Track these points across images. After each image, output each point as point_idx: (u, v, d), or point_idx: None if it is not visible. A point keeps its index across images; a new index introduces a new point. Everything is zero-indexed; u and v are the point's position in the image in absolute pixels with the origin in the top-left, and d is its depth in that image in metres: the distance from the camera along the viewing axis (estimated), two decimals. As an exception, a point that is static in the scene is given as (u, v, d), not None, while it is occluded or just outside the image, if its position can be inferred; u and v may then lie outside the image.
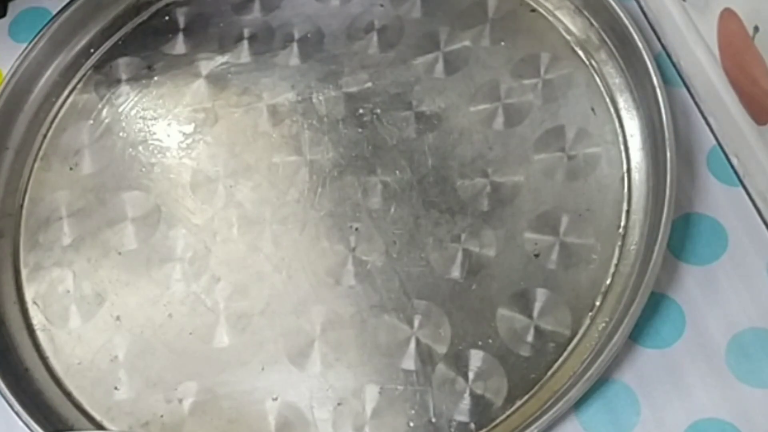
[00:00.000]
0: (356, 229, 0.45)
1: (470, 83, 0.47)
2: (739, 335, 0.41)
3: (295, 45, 0.50)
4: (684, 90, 0.47)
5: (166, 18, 0.52)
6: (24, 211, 0.48)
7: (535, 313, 0.42)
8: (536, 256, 0.43)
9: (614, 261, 0.42)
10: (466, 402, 0.40)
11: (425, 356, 0.41)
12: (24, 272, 0.46)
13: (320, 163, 0.46)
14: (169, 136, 0.49)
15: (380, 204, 0.45)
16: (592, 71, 0.46)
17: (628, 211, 0.43)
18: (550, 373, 0.40)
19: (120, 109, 0.50)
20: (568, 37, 0.47)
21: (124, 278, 0.45)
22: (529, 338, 0.41)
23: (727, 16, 0.40)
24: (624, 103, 0.45)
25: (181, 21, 0.52)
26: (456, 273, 0.43)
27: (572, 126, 0.45)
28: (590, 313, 0.41)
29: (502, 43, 0.48)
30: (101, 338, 0.44)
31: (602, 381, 0.41)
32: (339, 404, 0.41)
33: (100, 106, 0.50)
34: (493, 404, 0.40)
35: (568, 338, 0.41)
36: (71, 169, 0.48)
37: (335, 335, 0.42)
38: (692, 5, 0.44)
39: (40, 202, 0.48)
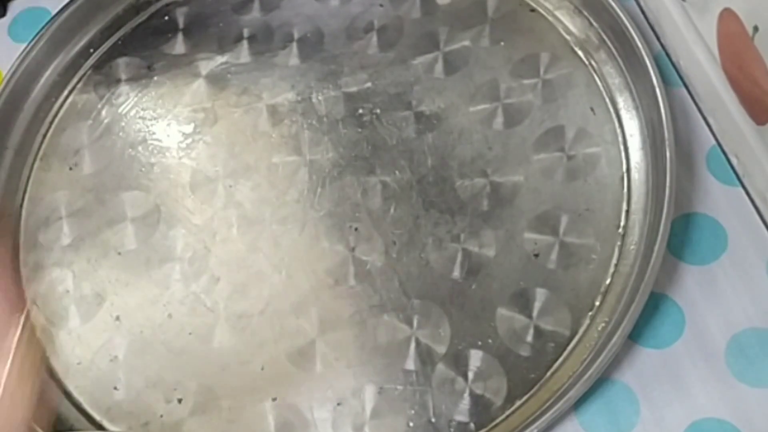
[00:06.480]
0: (356, 229, 0.45)
1: (470, 83, 0.47)
2: (738, 335, 0.41)
3: (294, 45, 0.50)
4: (684, 90, 0.47)
5: (166, 18, 0.52)
6: (24, 211, 0.48)
7: (535, 313, 0.42)
8: (536, 256, 0.43)
9: (614, 261, 0.42)
10: (465, 402, 0.40)
11: (425, 356, 0.41)
12: (24, 272, 0.46)
13: (320, 163, 0.46)
14: (168, 136, 0.49)
15: (380, 204, 0.45)
16: (592, 71, 0.46)
17: (627, 211, 0.43)
18: (549, 373, 0.40)
19: (120, 109, 0.50)
20: (567, 37, 0.47)
21: (123, 278, 0.45)
22: (529, 338, 0.41)
23: (727, 16, 0.40)
24: (623, 103, 0.45)
25: (181, 21, 0.52)
26: (456, 273, 0.43)
27: (572, 126, 0.45)
28: (590, 313, 0.41)
29: (502, 43, 0.48)
30: (101, 338, 0.44)
31: (602, 381, 0.41)
32: (339, 404, 0.41)
33: (99, 106, 0.50)
34: (493, 404, 0.40)
35: (568, 338, 0.41)
36: (71, 169, 0.48)
37: (335, 335, 0.42)
38: (692, 5, 0.44)
39: (39, 202, 0.48)
